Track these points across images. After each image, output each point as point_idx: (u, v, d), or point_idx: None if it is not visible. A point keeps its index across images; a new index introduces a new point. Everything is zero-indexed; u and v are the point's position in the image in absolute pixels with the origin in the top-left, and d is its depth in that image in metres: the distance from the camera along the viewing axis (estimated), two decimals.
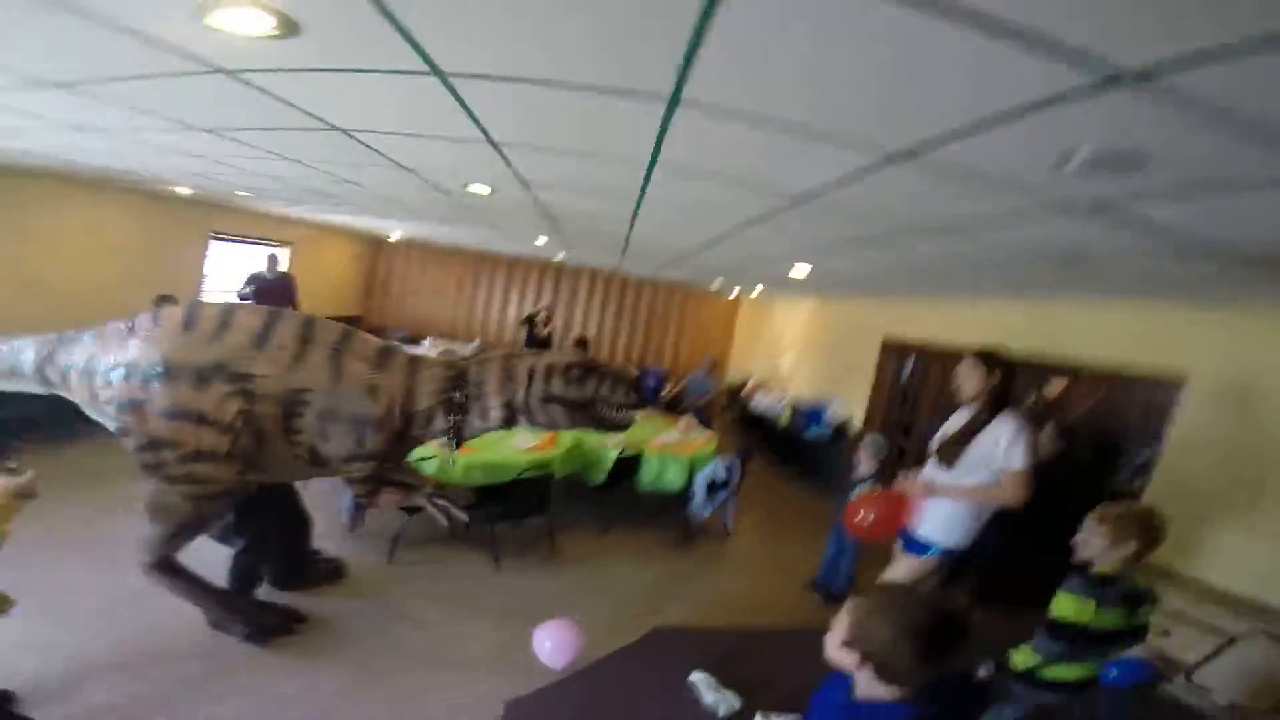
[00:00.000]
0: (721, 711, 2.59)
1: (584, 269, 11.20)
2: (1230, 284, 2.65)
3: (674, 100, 1.49)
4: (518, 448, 4.65)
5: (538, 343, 8.54)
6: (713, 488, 5.11)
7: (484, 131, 2.09)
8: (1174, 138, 1.20)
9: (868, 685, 1.29)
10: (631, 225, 4.09)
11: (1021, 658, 2.09)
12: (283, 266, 7.64)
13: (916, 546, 2.77)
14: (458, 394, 2.72)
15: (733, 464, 5.16)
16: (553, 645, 2.97)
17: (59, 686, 2.52)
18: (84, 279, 5.64)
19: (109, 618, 2.94)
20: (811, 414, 7.65)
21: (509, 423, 2.77)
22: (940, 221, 2.29)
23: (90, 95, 2.17)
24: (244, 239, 7.81)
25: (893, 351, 6.77)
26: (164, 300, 5.67)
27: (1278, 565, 3.06)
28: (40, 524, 3.29)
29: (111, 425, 2.62)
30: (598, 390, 2.71)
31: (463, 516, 2.98)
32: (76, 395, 2.71)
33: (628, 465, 5.05)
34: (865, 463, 4.15)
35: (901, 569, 2.83)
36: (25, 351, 2.77)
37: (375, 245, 11.10)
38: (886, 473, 4.90)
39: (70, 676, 2.58)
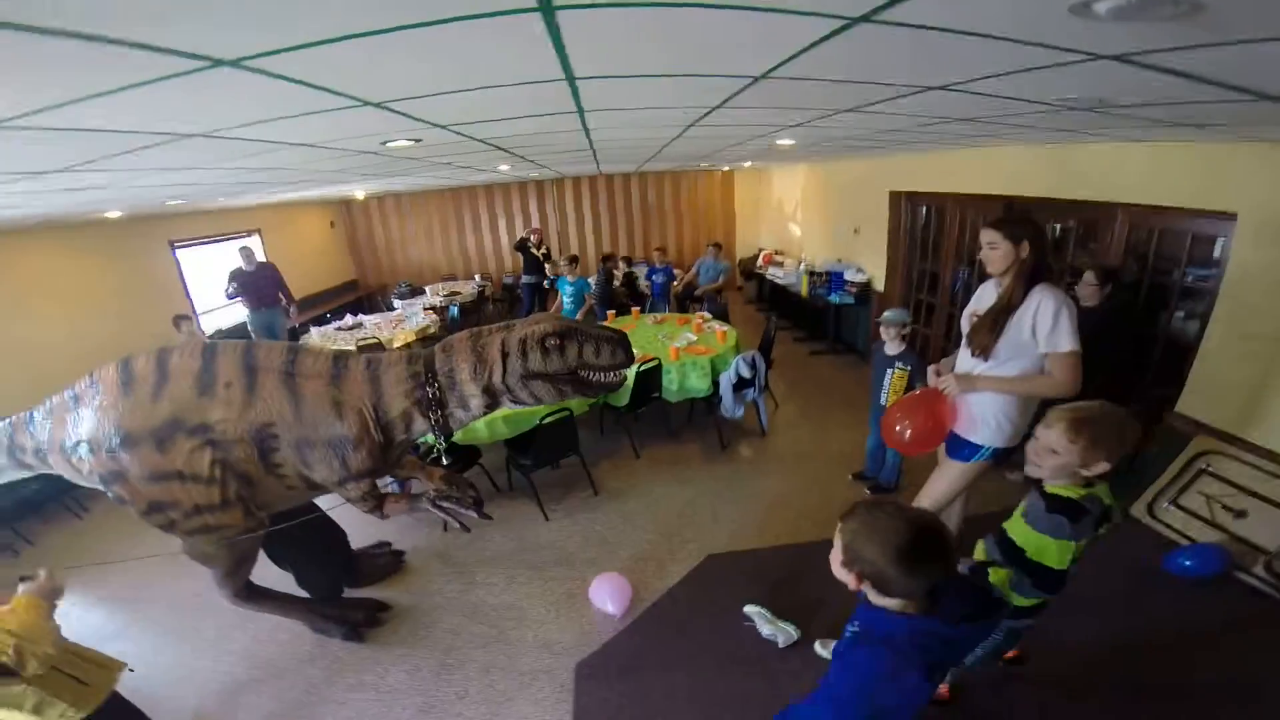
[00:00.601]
0: (781, 642, 2.57)
1: (565, 179, 10.56)
2: None
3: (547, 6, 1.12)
4: None
5: (536, 264, 8.27)
6: (739, 385, 4.92)
7: (349, 96, 1.72)
8: None
9: (876, 597, 1.40)
10: (588, 135, 3.64)
11: (1013, 598, 1.86)
12: (260, 255, 7.33)
13: (963, 450, 2.47)
14: (429, 390, 2.47)
15: (755, 357, 4.92)
16: (608, 597, 3.10)
17: (221, 712, 2.78)
18: (56, 329, 5.42)
19: (218, 648, 3.18)
20: (831, 279, 7.26)
21: (492, 407, 2.54)
22: (927, 81, 1.84)
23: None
24: (209, 239, 7.48)
25: (902, 203, 6.23)
26: (181, 320, 5.57)
27: None
28: (107, 587, 3.62)
29: (110, 495, 2.54)
30: (580, 356, 2.45)
31: (471, 515, 2.85)
32: (62, 471, 2.61)
33: (650, 381, 4.87)
34: (891, 342, 3.82)
35: (949, 476, 2.54)
36: None
37: (347, 207, 10.62)
38: (917, 346, 4.61)
39: (222, 698, 2.86)
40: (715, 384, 5.02)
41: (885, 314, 3.87)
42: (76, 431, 2.41)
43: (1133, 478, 3.51)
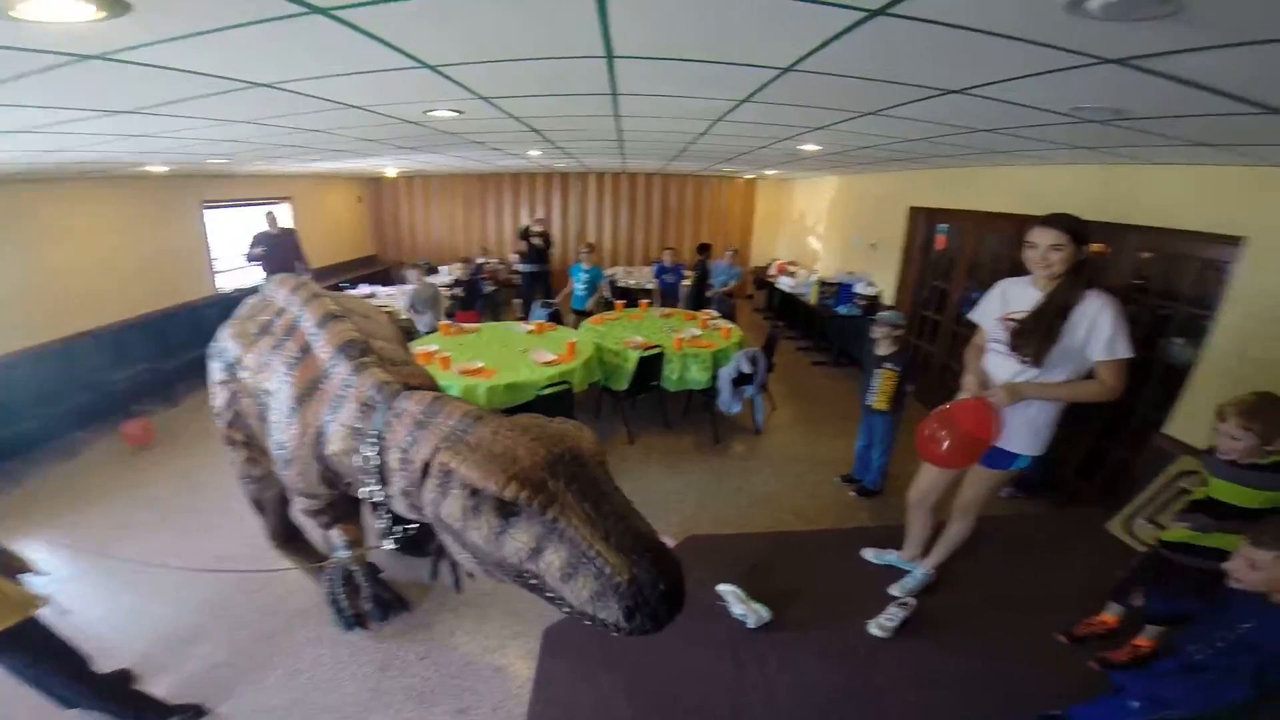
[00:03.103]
0: (751, 623, 2.64)
1: (590, 173, 10.73)
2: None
3: None
4: (536, 362, 4.62)
5: (535, 252, 8.24)
6: (739, 381, 5.04)
7: (410, 56, 1.87)
8: None
9: None
10: (618, 122, 3.79)
11: None
12: (284, 222, 7.53)
13: (1002, 460, 2.41)
14: (368, 451, 1.83)
15: (757, 355, 5.05)
16: None
17: (168, 658, 2.72)
18: (95, 270, 5.72)
19: (176, 598, 3.10)
20: (841, 290, 7.38)
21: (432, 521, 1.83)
22: (945, 83, 1.97)
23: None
24: (240, 202, 7.68)
25: (921, 219, 6.35)
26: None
27: None
28: (73, 534, 3.60)
29: None
30: (534, 556, 1.47)
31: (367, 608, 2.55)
32: None
33: (651, 368, 4.97)
34: (883, 342, 3.94)
35: (983, 484, 2.53)
36: None
37: (376, 184, 10.85)
38: (909, 352, 4.72)
39: (173, 645, 2.79)
40: (714, 379, 5.14)
41: (880, 314, 4.01)
42: None
43: (1115, 497, 3.62)
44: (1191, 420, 3.41)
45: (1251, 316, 3.12)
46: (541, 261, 8.27)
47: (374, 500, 1.91)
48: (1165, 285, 3.73)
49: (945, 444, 2.28)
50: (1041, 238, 2.16)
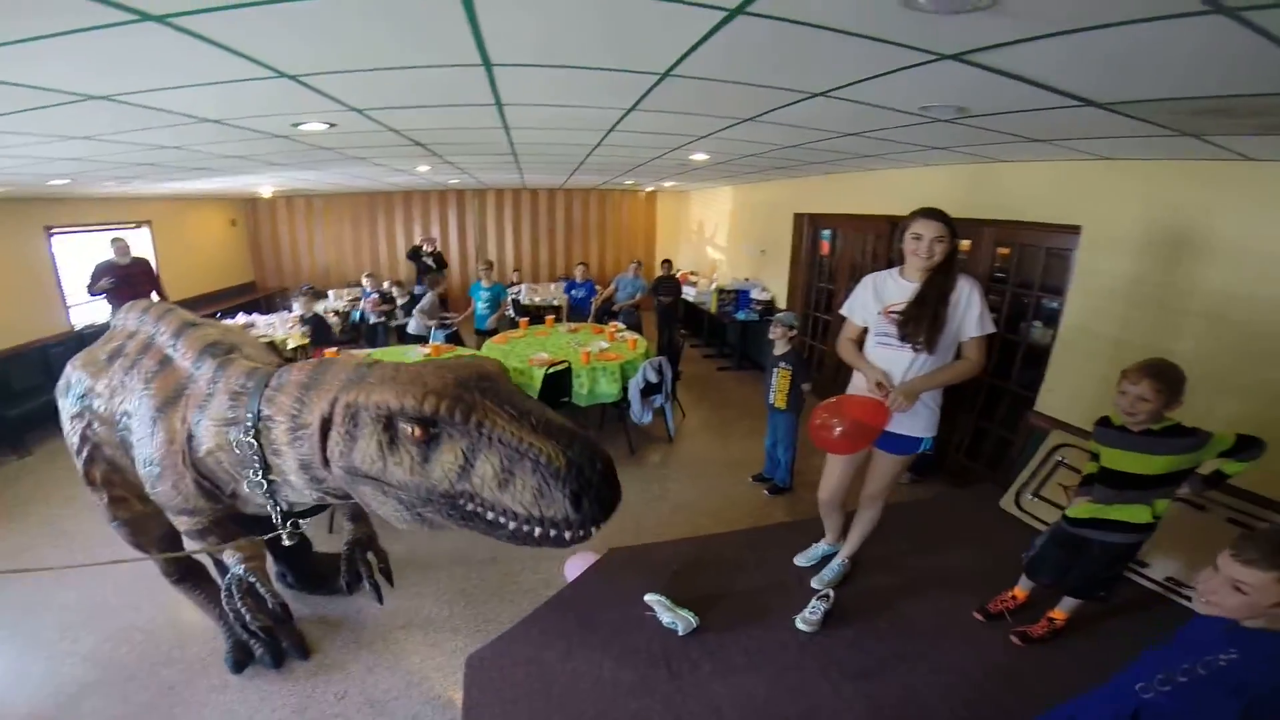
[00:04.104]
0: (681, 630, 2.64)
1: (488, 190, 10.53)
2: (1110, 135, 2.54)
3: None
4: None
5: (428, 272, 7.92)
6: (647, 391, 5.07)
7: (265, 66, 1.74)
8: None
9: None
10: (509, 134, 3.72)
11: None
12: (140, 250, 6.79)
13: (904, 444, 2.52)
14: (247, 436, 1.70)
15: (662, 364, 5.12)
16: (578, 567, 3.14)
17: (56, 713, 2.52)
18: None
19: (58, 649, 2.88)
20: (739, 297, 7.65)
21: (336, 497, 1.78)
22: (809, 86, 2.08)
23: None
24: (93, 227, 6.88)
25: (805, 225, 6.69)
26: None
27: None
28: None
29: None
30: (464, 472, 1.40)
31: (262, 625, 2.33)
32: None
33: (559, 384, 4.90)
34: (779, 342, 4.13)
35: (890, 469, 2.63)
36: None
37: (252, 205, 10.09)
38: (804, 351, 4.92)
39: (60, 701, 2.58)
40: (625, 390, 5.14)
41: (777, 315, 4.18)
42: None
43: (1002, 474, 3.92)
44: (1054, 396, 3.76)
45: (1092, 295, 3.51)
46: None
47: (260, 495, 1.79)
48: (1021, 275, 4.11)
49: (837, 430, 2.36)
50: (927, 230, 2.27)
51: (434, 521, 1.51)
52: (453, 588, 3.32)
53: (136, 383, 2.03)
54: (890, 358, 2.42)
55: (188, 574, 2.73)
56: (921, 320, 2.30)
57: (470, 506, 1.42)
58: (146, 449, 1.94)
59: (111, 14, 1.19)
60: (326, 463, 1.58)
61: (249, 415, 1.71)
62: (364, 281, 8.03)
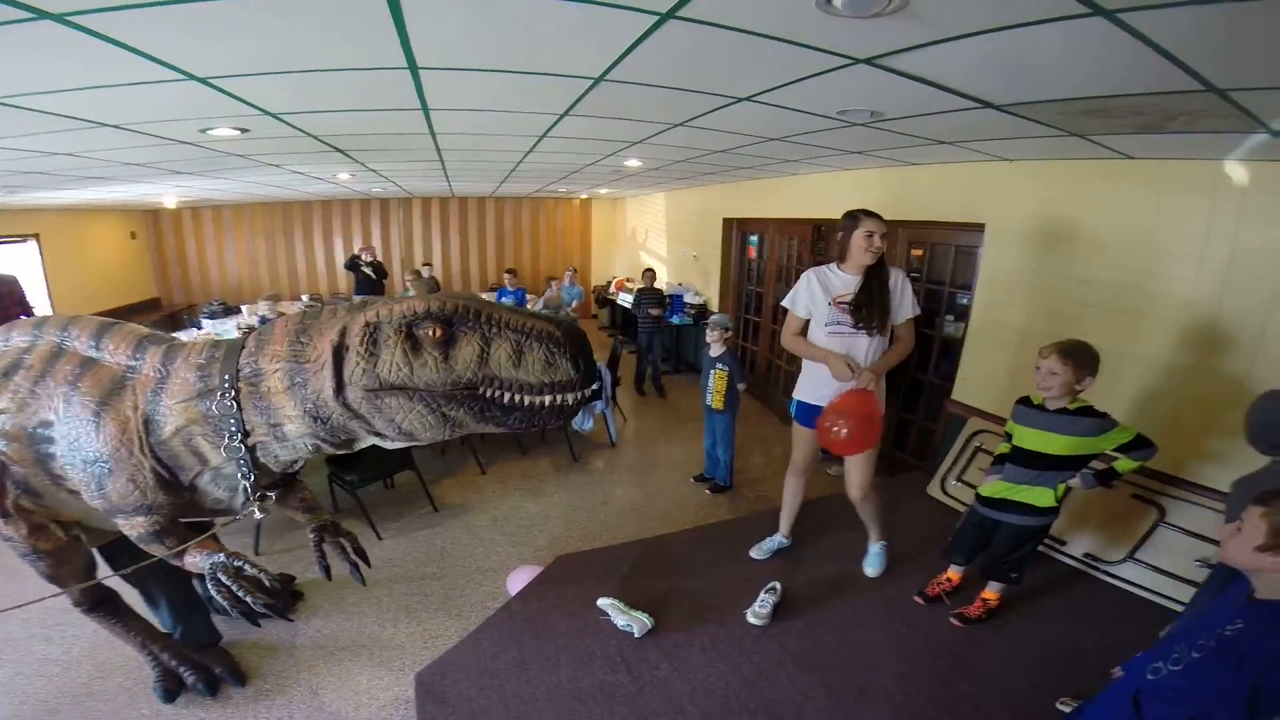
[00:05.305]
0: (636, 632, 2.64)
1: (415, 199, 10.24)
2: (1017, 137, 2.73)
3: None
4: None
5: (369, 283, 7.79)
6: (588, 398, 5.06)
7: (171, 68, 1.65)
8: None
9: None
10: (436, 140, 3.64)
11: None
12: (9, 266, 6.12)
13: None
14: (223, 399, 1.74)
15: (600, 369, 5.11)
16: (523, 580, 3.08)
17: None
18: None
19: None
20: (673, 301, 7.74)
21: (333, 445, 1.80)
22: (735, 90, 2.15)
23: None
24: None
25: (734, 229, 6.88)
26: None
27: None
28: None
29: None
30: (484, 359, 1.58)
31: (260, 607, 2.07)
32: None
33: None
34: (715, 344, 4.23)
35: (862, 463, 2.78)
36: None
37: (154, 217, 9.41)
38: (738, 353, 5.04)
39: None
40: None
41: (711, 318, 4.28)
42: None
43: (928, 462, 4.13)
44: (969, 385, 4.01)
45: (995, 288, 3.78)
46: (375, 291, 7.82)
47: (236, 462, 1.81)
48: (934, 273, 4.37)
49: (844, 431, 2.53)
50: (878, 227, 2.58)
51: (455, 420, 1.64)
52: (394, 605, 3.20)
53: (56, 388, 1.91)
54: (847, 344, 2.66)
55: (100, 603, 2.51)
56: (874, 306, 2.60)
57: (490, 392, 1.59)
58: (90, 447, 1.84)
59: (3, 11, 1.10)
60: (339, 391, 1.63)
61: (225, 379, 1.75)
62: (259, 307, 6.80)
